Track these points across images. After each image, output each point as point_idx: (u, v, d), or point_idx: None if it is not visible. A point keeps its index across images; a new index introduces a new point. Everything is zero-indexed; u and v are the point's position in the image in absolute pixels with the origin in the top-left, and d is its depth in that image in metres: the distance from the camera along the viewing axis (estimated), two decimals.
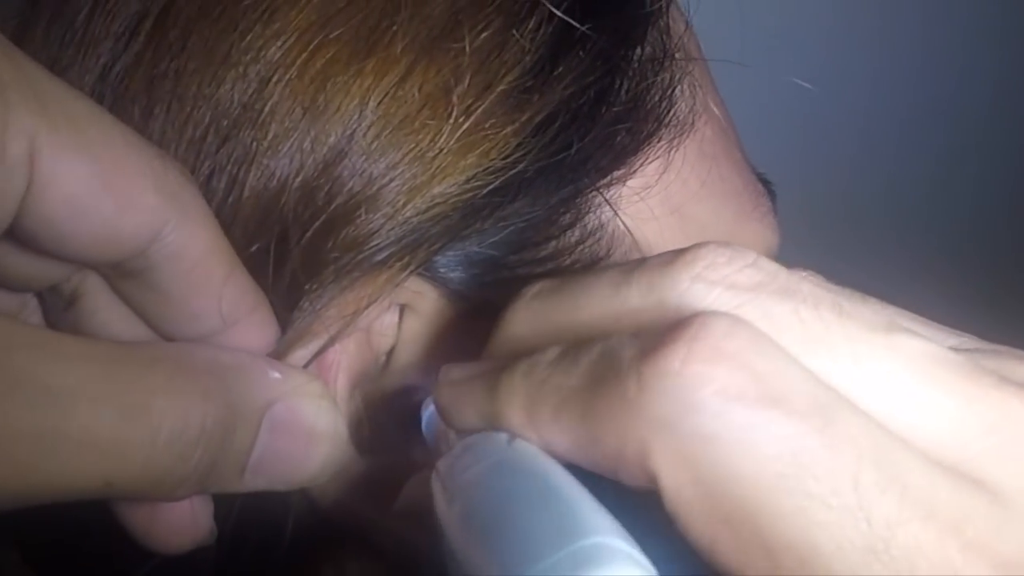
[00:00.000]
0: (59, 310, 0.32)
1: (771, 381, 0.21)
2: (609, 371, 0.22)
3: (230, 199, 0.32)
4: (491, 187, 0.32)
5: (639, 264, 0.25)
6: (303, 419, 0.31)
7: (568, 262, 0.35)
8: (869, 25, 1.01)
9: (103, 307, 0.31)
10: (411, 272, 0.33)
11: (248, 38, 0.32)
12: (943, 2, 1.03)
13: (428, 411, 0.32)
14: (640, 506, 0.22)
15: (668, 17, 0.37)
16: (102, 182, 0.27)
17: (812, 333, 0.23)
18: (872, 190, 1.08)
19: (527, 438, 0.25)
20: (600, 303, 0.26)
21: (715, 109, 0.39)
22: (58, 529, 0.36)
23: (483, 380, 0.26)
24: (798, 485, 0.20)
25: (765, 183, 0.41)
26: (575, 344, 0.24)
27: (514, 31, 0.33)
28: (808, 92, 0.40)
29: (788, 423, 0.21)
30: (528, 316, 0.28)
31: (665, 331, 0.22)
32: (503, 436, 0.26)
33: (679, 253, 0.25)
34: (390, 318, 0.34)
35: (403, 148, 0.32)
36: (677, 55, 0.37)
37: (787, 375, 0.21)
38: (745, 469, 0.20)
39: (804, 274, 0.25)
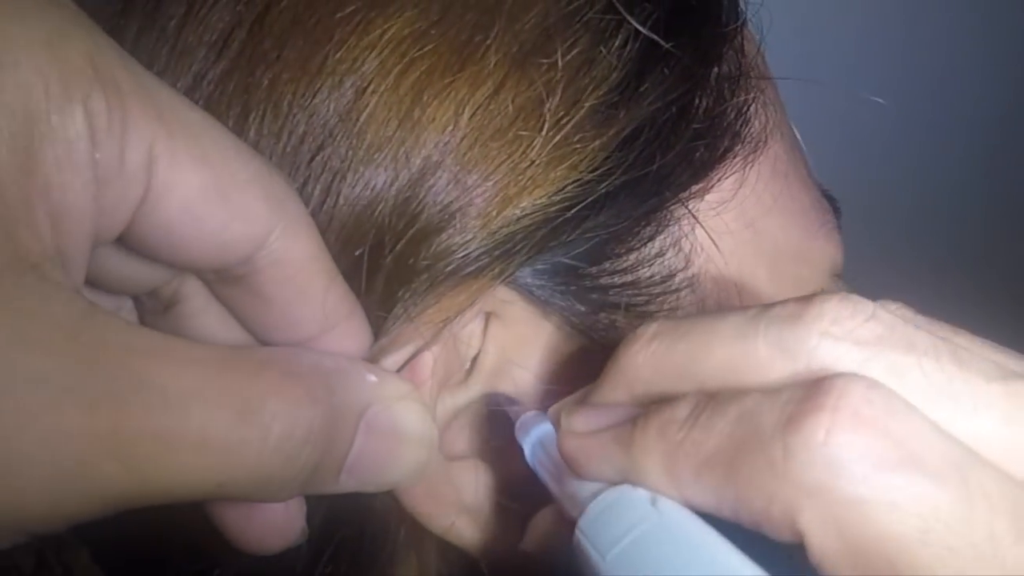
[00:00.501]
0: (157, 313, 0.32)
1: (909, 444, 0.23)
2: (752, 436, 0.24)
3: (324, 207, 0.33)
4: (579, 199, 0.33)
5: (763, 314, 0.26)
6: (397, 422, 0.31)
7: (648, 274, 0.35)
8: (934, 44, 1.01)
9: (201, 311, 0.32)
10: (502, 281, 0.33)
11: (343, 49, 0.33)
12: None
13: (532, 437, 0.32)
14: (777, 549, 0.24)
15: (743, 37, 0.38)
16: (216, 190, 0.27)
17: (936, 385, 0.24)
18: (935, 207, 1.08)
19: (667, 495, 0.26)
20: (726, 351, 0.27)
21: (784, 128, 0.40)
22: (127, 529, 0.37)
23: (615, 435, 0.28)
24: (939, 539, 0.22)
25: (830, 200, 0.42)
26: (704, 398, 0.26)
27: (602, 48, 0.34)
28: (870, 110, 0.41)
29: (928, 483, 0.22)
30: (648, 358, 0.28)
31: (804, 396, 0.23)
32: (644, 494, 0.27)
33: (804, 306, 0.26)
34: (476, 325, 0.35)
35: (496, 159, 0.33)
36: (751, 74, 0.38)
37: (923, 436, 0.23)
38: (890, 527, 0.22)
39: (894, 307, 0.26)
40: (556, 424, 0.30)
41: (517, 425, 0.33)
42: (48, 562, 0.40)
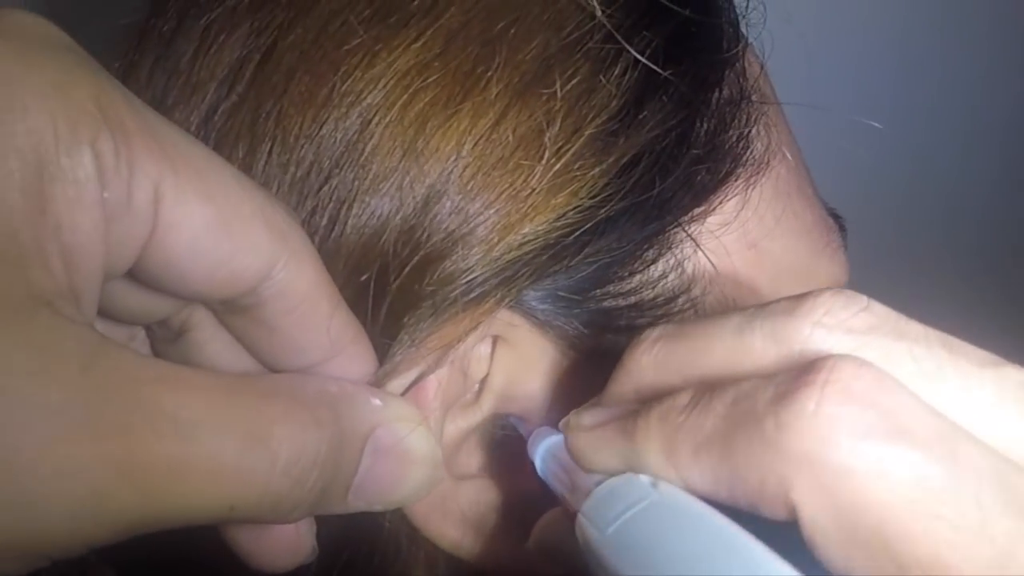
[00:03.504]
0: (167, 342, 0.33)
1: (897, 416, 0.23)
2: (746, 413, 0.24)
3: (332, 236, 0.34)
4: (580, 225, 0.34)
5: (760, 311, 0.27)
6: (402, 443, 0.32)
7: (651, 295, 0.36)
8: (940, 65, 1.01)
9: (210, 339, 0.33)
10: (503, 306, 0.34)
11: (349, 81, 0.34)
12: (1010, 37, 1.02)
13: (542, 449, 0.33)
14: (773, 533, 0.24)
15: (744, 60, 0.39)
16: (221, 225, 0.28)
17: (926, 369, 0.25)
18: (940, 226, 1.08)
19: (668, 478, 0.26)
20: (724, 348, 0.27)
21: (789, 148, 0.40)
22: (153, 546, 0.37)
23: (618, 426, 0.28)
24: (927, 508, 0.22)
25: (836, 218, 0.42)
26: (703, 388, 0.26)
27: (601, 77, 0.35)
28: (875, 129, 0.41)
29: (915, 453, 0.22)
30: (651, 360, 0.29)
31: (796, 375, 0.24)
32: (645, 478, 0.27)
33: (799, 300, 0.26)
34: (483, 349, 0.36)
35: (498, 188, 0.34)
36: (753, 97, 0.38)
37: (911, 409, 0.23)
38: (879, 497, 0.22)
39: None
40: (565, 430, 0.31)
41: (529, 441, 0.34)
42: None
